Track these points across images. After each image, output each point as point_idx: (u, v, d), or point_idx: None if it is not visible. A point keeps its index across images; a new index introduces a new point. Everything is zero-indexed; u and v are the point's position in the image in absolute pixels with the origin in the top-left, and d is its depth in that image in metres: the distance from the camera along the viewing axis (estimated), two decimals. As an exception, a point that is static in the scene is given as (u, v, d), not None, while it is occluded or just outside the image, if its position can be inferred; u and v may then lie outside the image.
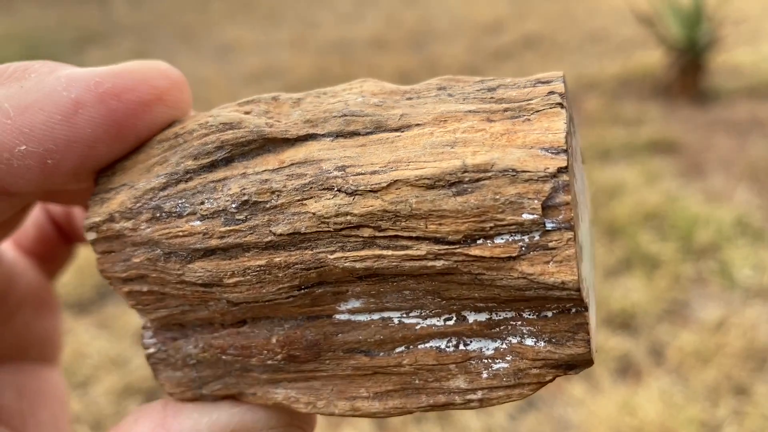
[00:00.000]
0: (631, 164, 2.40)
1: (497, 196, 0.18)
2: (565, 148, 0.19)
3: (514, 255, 0.19)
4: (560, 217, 0.18)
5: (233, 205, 0.20)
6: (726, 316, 1.64)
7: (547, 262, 0.19)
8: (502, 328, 0.21)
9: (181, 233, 0.21)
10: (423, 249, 0.19)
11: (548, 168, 0.18)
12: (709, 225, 1.98)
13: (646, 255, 1.88)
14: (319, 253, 0.20)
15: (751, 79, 3.08)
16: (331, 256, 0.19)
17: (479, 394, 0.20)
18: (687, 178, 2.30)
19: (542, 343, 0.21)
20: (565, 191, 0.18)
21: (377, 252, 0.19)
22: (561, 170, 0.18)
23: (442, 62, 3.79)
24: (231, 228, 0.20)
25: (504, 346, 0.21)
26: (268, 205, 0.20)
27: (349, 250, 0.19)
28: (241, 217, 0.20)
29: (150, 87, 0.23)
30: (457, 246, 0.19)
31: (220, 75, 3.86)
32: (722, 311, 1.66)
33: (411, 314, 0.21)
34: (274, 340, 0.22)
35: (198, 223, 0.21)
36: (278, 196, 0.20)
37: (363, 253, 0.19)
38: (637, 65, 3.35)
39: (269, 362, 0.22)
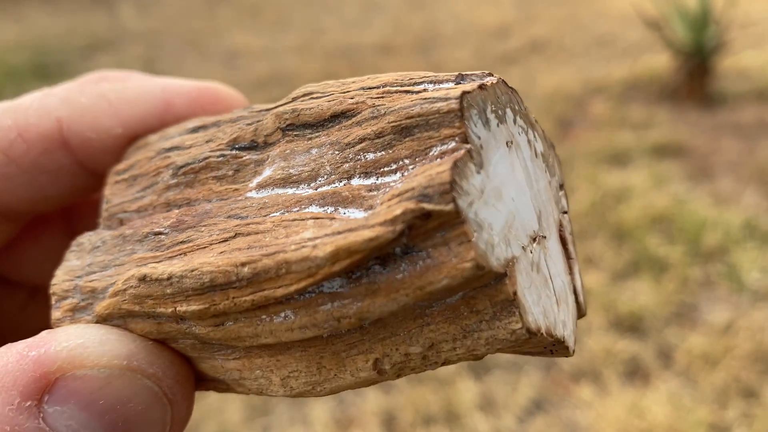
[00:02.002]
0: (639, 168, 2.41)
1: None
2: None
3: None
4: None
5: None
6: (734, 318, 1.64)
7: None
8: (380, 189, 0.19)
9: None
10: None
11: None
12: (717, 228, 1.97)
13: (654, 258, 1.88)
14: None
15: (759, 83, 3.08)
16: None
17: (317, 241, 0.18)
18: (695, 181, 2.30)
19: (401, 184, 0.18)
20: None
21: None
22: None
23: (449, 67, 3.79)
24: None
25: (373, 201, 0.19)
26: None
27: None
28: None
29: (225, 106, 0.27)
30: None
31: (228, 81, 3.87)
32: (730, 314, 1.66)
33: (308, 185, 0.20)
34: (176, 211, 0.22)
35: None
36: None
37: None
38: (645, 69, 3.35)
39: (157, 230, 0.22)
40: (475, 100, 0.19)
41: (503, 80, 0.20)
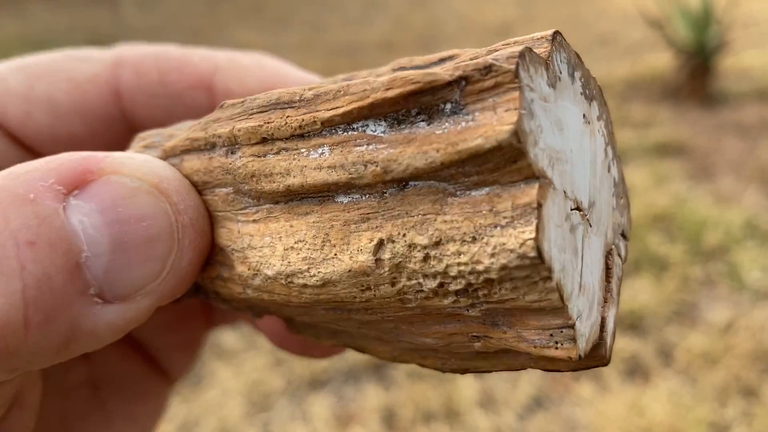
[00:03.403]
0: (640, 166, 2.41)
1: None
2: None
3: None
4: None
5: None
6: (735, 317, 1.65)
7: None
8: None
9: None
10: None
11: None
12: (718, 227, 1.98)
13: (655, 257, 1.88)
14: None
15: (760, 82, 3.08)
16: None
17: (383, 78, 0.18)
18: (696, 180, 2.31)
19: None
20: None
21: None
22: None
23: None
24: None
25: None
26: None
27: None
28: None
29: None
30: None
31: (230, 77, 3.87)
32: (731, 313, 1.67)
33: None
34: None
35: None
36: None
37: None
38: (646, 68, 3.35)
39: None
40: (571, 55, 0.19)
41: (599, 85, 0.21)
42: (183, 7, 6.00)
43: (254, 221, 0.21)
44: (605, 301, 0.21)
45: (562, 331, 0.18)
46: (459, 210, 0.18)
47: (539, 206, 0.17)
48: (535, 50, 0.18)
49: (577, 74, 0.20)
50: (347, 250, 0.19)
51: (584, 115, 0.20)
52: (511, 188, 0.17)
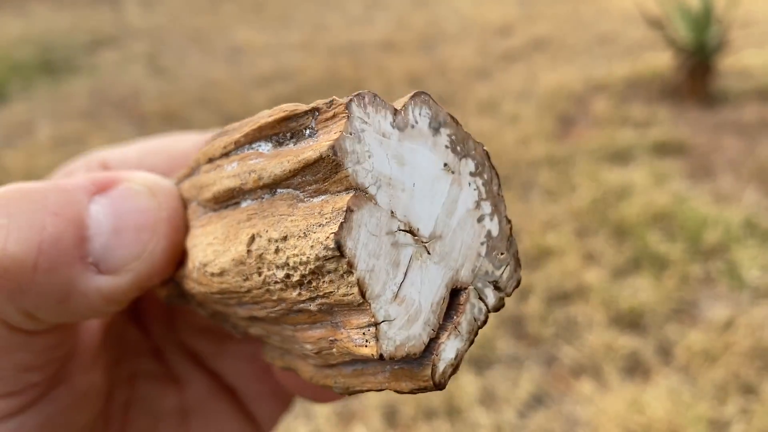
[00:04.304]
0: (640, 165, 2.42)
1: None
2: None
3: None
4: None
5: None
6: (734, 315, 1.66)
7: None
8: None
9: None
10: None
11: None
12: (717, 226, 1.99)
13: (654, 255, 1.89)
14: None
15: (760, 82, 3.09)
16: None
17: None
18: (695, 179, 2.31)
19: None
20: None
21: None
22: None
23: (452, 64, 3.80)
24: None
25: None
26: None
27: None
28: None
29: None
30: None
31: (232, 77, 3.88)
32: (730, 311, 1.68)
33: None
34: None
35: None
36: None
37: None
38: (646, 67, 3.36)
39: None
40: (434, 108, 0.23)
41: (488, 154, 0.25)
42: (185, 7, 6.00)
43: (201, 226, 0.27)
44: (443, 330, 0.24)
45: (369, 329, 0.22)
46: (302, 212, 0.22)
47: (349, 210, 0.21)
48: (399, 101, 0.23)
49: (445, 131, 0.24)
50: (235, 243, 0.24)
51: (445, 164, 0.24)
52: (336, 196, 0.22)
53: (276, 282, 0.23)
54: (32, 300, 0.24)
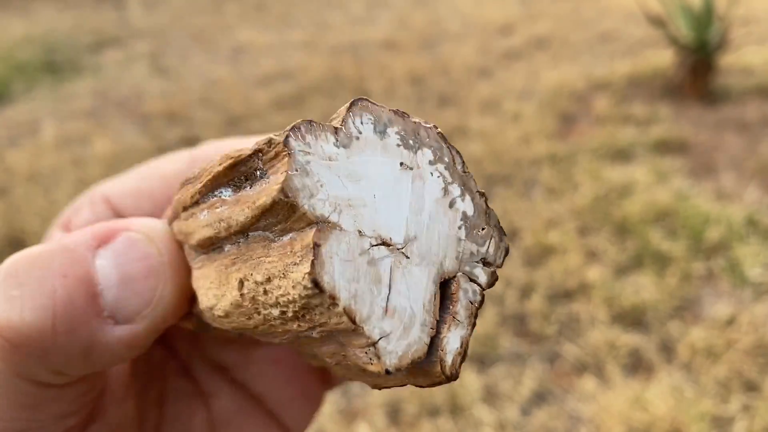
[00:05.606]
0: (642, 163, 2.42)
1: None
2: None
3: None
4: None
5: None
6: (736, 312, 1.66)
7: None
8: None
9: None
10: None
11: None
12: (719, 223, 1.99)
13: (656, 253, 1.90)
14: None
15: (761, 79, 3.09)
16: None
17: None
18: (697, 177, 2.32)
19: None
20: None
21: None
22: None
23: (453, 63, 3.81)
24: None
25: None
26: None
27: None
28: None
29: None
30: None
31: (234, 76, 3.89)
32: (732, 308, 1.68)
33: None
34: None
35: None
36: None
37: None
38: (648, 65, 3.36)
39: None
40: (376, 111, 0.23)
41: (443, 134, 0.25)
42: (187, 6, 6.01)
43: (198, 268, 0.27)
44: (443, 323, 0.24)
45: (370, 349, 0.22)
46: (276, 252, 0.22)
47: (316, 245, 0.21)
48: (335, 118, 0.23)
49: (392, 130, 0.24)
50: (228, 287, 0.24)
51: (401, 163, 0.24)
52: (302, 233, 0.22)
53: (275, 318, 0.23)
54: (58, 360, 0.24)
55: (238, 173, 0.24)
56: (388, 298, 0.23)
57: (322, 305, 0.21)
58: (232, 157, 0.23)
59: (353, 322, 0.21)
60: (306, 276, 0.21)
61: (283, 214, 0.22)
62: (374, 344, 0.22)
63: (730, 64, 3.16)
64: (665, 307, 1.70)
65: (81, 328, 0.24)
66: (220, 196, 0.24)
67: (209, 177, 0.24)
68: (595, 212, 2.12)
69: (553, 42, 4.06)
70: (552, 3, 4.98)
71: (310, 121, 0.22)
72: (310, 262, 0.21)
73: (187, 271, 0.28)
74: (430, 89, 3.44)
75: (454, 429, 1.43)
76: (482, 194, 0.26)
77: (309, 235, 0.21)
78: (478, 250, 0.25)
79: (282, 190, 0.21)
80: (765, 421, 1.37)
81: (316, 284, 0.21)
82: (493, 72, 3.62)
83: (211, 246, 0.26)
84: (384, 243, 0.23)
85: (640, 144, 2.57)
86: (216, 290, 0.25)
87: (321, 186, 0.22)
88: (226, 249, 0.25)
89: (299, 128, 0.22)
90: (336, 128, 0.22)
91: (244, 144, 0.30)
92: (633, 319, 1.67)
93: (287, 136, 0.22)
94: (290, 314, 0.22)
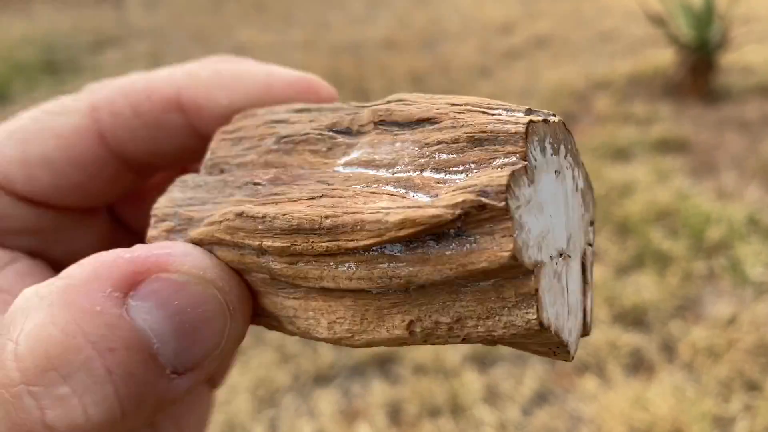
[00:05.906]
0: (643, 163, 2.42)
1: None
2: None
3: None
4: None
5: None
6: (737, 312, 1.66)
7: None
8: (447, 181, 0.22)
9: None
10: None
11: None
12: (720, 222, 1.99)
13: (657, 252, 1.89)
14: None
15: (762, 78, 3.09)
16: None
17: (389, 210, 0.21)
18: (698, 176, 2.31)
19: (465, 181, 0.22)
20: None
21: None
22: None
23: (454, 62, 3.80)
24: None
25: (437, 191, 0.22)
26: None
27: None
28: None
29: (319, 96, 0.32)
30: None
31: (234, 76, 3.88)
32: (734, 308, 1.68)
33: (387, 170, 0.24)
34: (273, 170, 0.26)
35: None
36: None
37: None
38: (648, 64, 3.35)
39: (256, 181, 0.26)
40: (538, 130, 0.22)
41: (563, 122, 0.24)
42: (187, 6, 6.01)
43: (294, 298, 0.25)
44: (585, 292, 0.25)
45: (559, 347, 0.23)
46: (472, 297, 0.22)
47: (536, 291, 0.21)
48: (515, 144, 0.22)
49: (546, 142, 0.23)
50: (383, 326, 0.23)
51: (556, 171, 0.23)
52: (513, 280, 0.21)
53: (447, 342, 0.23)
54: (131, 428, 0.22)
55: (423, 234, 0.21)
56: (568, 301, 0.24)
57: (535, 336, 0.22)
58: (423, 223, 0.21)
59: (560, 339, 0.22)
60: (533, 321, 0.21)
61: (501, 274, 0.21)
62: (565, 345, 0.23)
63: (731, 63, 3.15)
64: (666, 307, 1.70)
65: (148, 398, 0.22)
66: (383, 252, 0.22)
67: (378, 239, 0.21)
68: (596, 212, 2.12)
69: (554, 41, 4.05)
70: (552, 2, 4.98)
71: (513, 173, 0.21)
72: (534, 308, 0.21)
73: (251, 299, 0.25)
74: (430, 88, 3.43)
75: (455, 429, 1.42)
76: (582, 163, 0.26)
77: (526, 284, 0.21)
78: (587, 215, 0.26)
79: (513, 257, 0.20)
80: (767, 420, 1.37)
81: (541, 324, 0.21)
82: (494, 71, 3.62)
83: (347, 291, 0.23)
84: (561, 255, 0.23)
85: (641, 143, 2.56)
86: (354, 326, 0.24)
87: (530, 233, 0.21)
88: (375, 291, 0.23)
89: (511, 187, 0.20)
90: (526, 167, 0.21)
91: (257, 69, 0.31)
92: (634, 318, 1.67)
93: (506, 200, 0.20)
94: (480, 333, 0.22)
